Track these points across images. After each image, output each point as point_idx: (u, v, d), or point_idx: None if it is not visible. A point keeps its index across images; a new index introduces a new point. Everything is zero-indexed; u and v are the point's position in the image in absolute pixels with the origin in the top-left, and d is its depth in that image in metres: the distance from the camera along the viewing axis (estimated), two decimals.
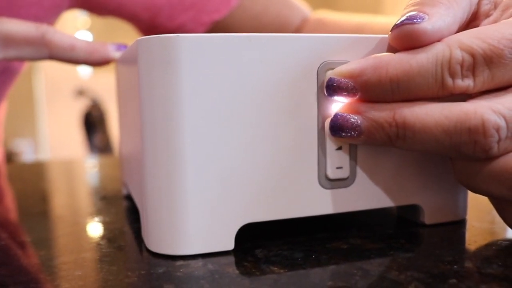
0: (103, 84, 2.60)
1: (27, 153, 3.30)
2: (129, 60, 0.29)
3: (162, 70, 0.24)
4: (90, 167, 0.64)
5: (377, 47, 0.26)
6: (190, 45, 0.23)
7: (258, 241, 0.27)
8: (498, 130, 0.22)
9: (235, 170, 0.25)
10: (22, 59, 0.37)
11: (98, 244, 0.28)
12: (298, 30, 0.57)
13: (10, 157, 3.39)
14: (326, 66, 0.25)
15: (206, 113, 0.24)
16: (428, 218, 0.29)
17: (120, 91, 0.37)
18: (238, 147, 0.25)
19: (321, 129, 0.26)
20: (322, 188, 0.26)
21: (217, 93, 0.24)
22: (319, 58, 0.25)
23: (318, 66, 0.25)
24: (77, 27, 3.08)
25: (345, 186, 0.26)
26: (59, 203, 0.41)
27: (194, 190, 0.24)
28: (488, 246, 0.26)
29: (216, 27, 0.54)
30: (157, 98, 0.24)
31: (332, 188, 0.26)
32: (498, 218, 0.30)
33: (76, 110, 2.55)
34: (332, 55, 0.25)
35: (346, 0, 3.01)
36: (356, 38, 0.26)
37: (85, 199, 0.42)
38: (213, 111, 0.24)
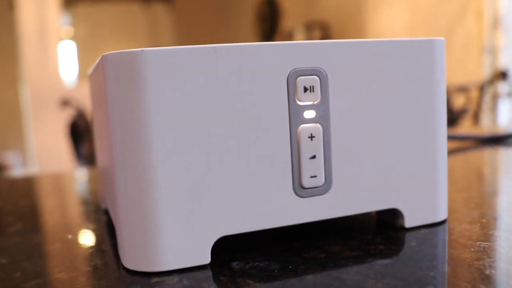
0: (88, 94, 2.59)
1: (16, 166, 3.27)
2: (97, 76, 0.28)
3: (128, 85, 0.23)
4: (77, 181, 0.63)
5: (347, 51, 0.26)
6: (155, 59, 0.23)
7: (235, 253, 0.26)
8: None
9: (207, 183, 0.24)
10: None
11: (73, 264, 0.27)
12: None
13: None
14: (296, 73, 0.25)
15: (174, 126, 0.24)
16: (407, 221, 0.28)
17: (93, 106, 0.37)
18: (209, 159, 0.24)
19: (293, 138, 0.25)
20: (297, 197, 0.26)
21: (185, 106, 0.24)
22: (289, 65, 0.25)
23: (288, 73, 0.25)
24: (60, 36, 3.06)
25: (320, 194, 0.26)
26: (38, 220, 0.40)
27: (166, 205, 0.24)
28: (466, 248, 0.25)
29: None
30: (124, 113, 0.24)
31: (307, 196, 0.26)
32: (477, 218, 0.30)
33: (62, 121, 2.53)
34: (301, 62, 0.25)
35: None
36: (325, 43, 0.25)
37: (64, 216, 0.42)
38: (182, 124, 0.24)
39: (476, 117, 2.25)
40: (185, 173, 0.24)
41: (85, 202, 0.46)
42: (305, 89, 0.25)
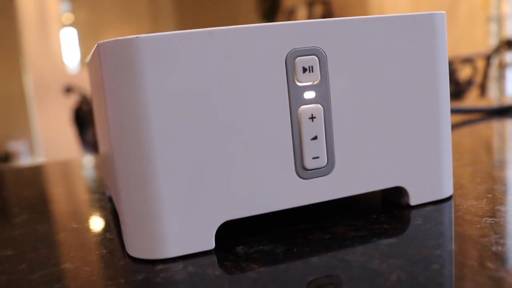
0: None
1: (23, 155, 3.29)
2: (94, 64, 0.28)
3: (124, 73, 0.23)
4: (82, 168, 0.63)
5: (345, 29, 0.25)
6: (150, 45, 0.23)
7: (240, 237, 0.26)
8: None
9: (208, 167, 0.24)
10: None
11: (78, 253, 0.27)
12: None
13: (6, 158, 3.38)
14: (295, 53, 0.25)
15: (173, 112, 0.23)
16: (412, 199, 0.28)
17: (93, 94, 0.36)
18: (209, 144, 0.24)
19: (294, 119, 0.25)
20: (300, 179, 0.26)
21: (182, 92, 0.23)
22: (287, 46, 0.25)
23: (286, 54, 0.25)
24: (62, 23, 3.05)
25: (323, 175, 0.26)
26: (43, 210, 0.40)
27: (167, 191, 0.24)
28: (472, 224, 0.25)
29: None
30: (122, 101, 0.23)
31: (310, 178, 0.26)
32: (483, 194, 0.30)
33: (67, 107, 2.53)
34: (299, 42, 0.25)
35: None
36: (323, 22, 0.25)
37: (69, 205, 0.42)
38: (180, 109, 0.23)
39: (483, 88, 2.23)
40: (186, 159, 0.24)
41: (90, 190, 0.46)
42: (304, 70, 0.25)
